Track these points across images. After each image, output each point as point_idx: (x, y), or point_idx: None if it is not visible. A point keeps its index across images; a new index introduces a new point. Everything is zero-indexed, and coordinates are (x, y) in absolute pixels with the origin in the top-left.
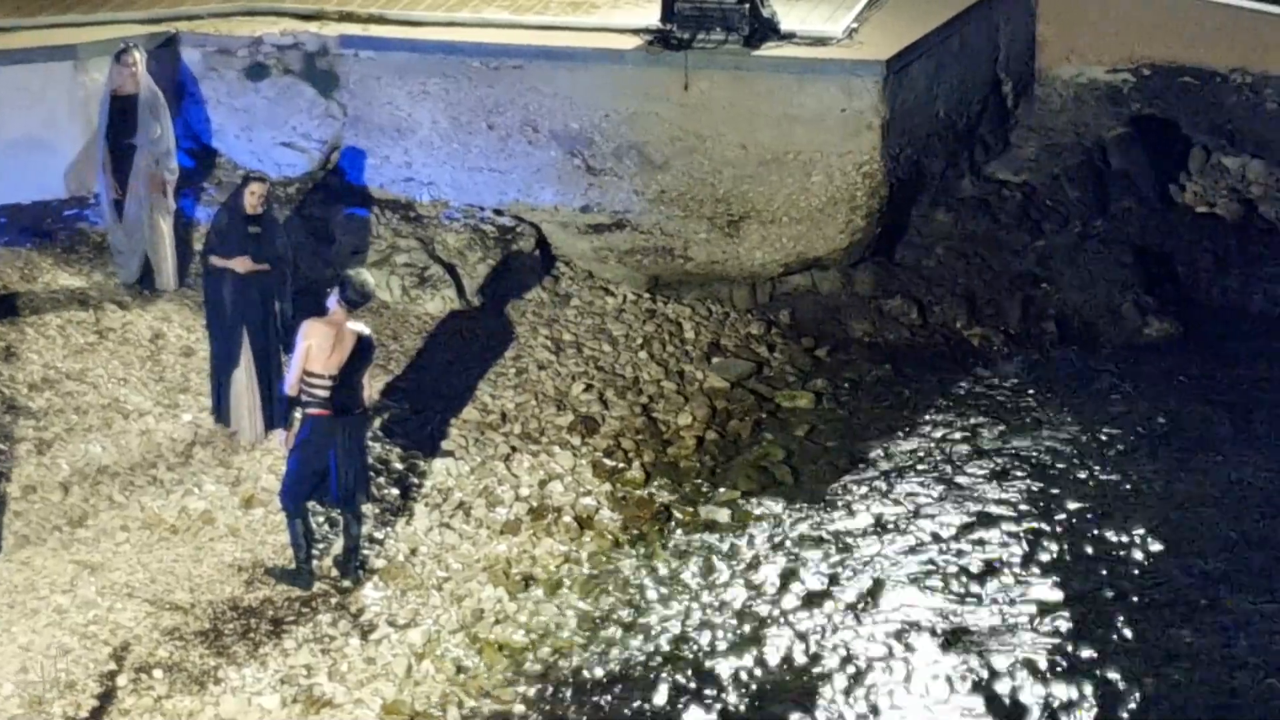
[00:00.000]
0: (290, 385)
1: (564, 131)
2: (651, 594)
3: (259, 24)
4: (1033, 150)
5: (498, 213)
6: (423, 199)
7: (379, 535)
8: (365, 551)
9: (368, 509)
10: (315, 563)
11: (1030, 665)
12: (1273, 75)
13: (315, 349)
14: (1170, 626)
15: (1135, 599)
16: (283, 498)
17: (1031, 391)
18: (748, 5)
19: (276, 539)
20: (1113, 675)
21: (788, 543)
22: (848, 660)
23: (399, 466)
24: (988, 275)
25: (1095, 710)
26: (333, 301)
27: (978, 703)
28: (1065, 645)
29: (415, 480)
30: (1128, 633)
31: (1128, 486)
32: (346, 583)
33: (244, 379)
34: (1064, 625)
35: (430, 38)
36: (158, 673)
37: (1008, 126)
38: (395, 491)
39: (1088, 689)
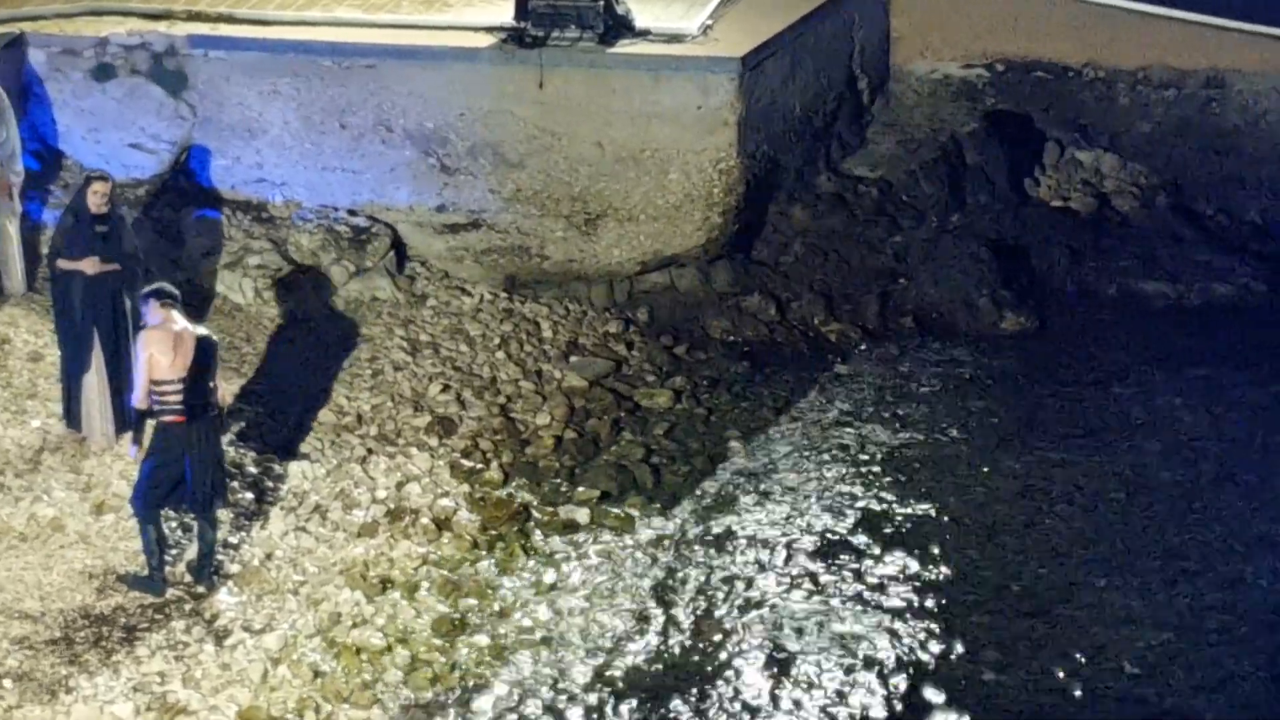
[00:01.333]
0: (138, 398)
1: (418, 131)
2: (510, 595)
3: (105, 24)
4: (889, 146)
5: (352, 213)
6: (275, 200)
7: (234, 540)
8: (220, 556)
9: (223, 513)
10: (168, 568)
11: (893, 660)
12: (1124, 69)
13: (157, 358)
14: (1025, 618)
15: (992, 591)
16: (134, 503)
17: (890, 387)
18: (602, 2)
19: (128, 545)
20: (970, 666)
21: (648, 543)
22: (711, 661)
23: (254, 470)
24: (845, 271)
25: (954, 700)
26: (150, 313)
27: (838, 699)
28: (924, 639)
29: (270, 484)
30: (983, 624)
31: (987, 480)
32: (201, 588)
33: (95, 383)
34: (923, 620)
35: (280, 37)
36: (7, 682)
37: (864, 123)
38: (250, 495)
39: (943, 679)
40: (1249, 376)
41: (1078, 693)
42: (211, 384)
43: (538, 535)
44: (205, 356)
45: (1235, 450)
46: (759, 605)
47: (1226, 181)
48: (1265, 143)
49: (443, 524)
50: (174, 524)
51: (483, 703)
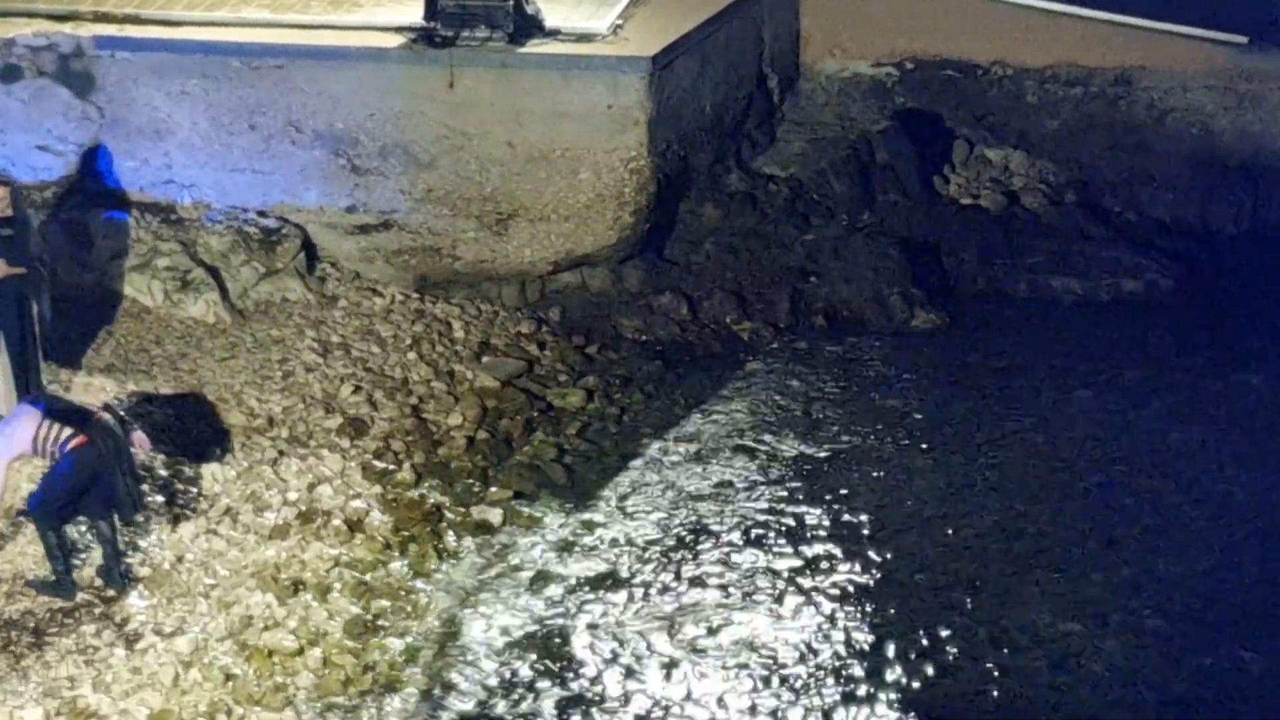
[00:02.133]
0: None
1: (328, 131)
2: (423, 597)
3: (10, 25)
4: (799, 145)
5: (261, 214)
6: (184, 201)
7: (144, 543)
8: (129, 560)
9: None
10: (78, 572)
11: (803, 654)
12: (1032, 68)
13: (14, 448)
14: (937, 610)
15: (900, 584)
16: (33, 510)
17: (802, 385)
18: (511, 2)
19: (37, 550)
20: (879, 660)
21: (561, 542)
22: (620, 658)
23: (164, 473)
24: (756, 269)
25: (863, 694)
26: None
27: (750, 694)
28: (834, 634)
29: (181, 487)
30: (894, 617)
31: (898, 476)
32: (111, 592)
33: (1, 390)
34: (834, 615)
35: (188, 38)
36: None
37: (774, 121)
38: (161, 499)
39: (851, 674)
40: (1157, 371)
41: (987, 684)
42: (75, 405)
43: (450, 536)
44: (40, 403)
45: (1144, 443)
46: (673, 602)
47: (1134, 178)
48: (1171, 140)
49: (355, 525)
50: (83, 528)
51: (395, 704)
